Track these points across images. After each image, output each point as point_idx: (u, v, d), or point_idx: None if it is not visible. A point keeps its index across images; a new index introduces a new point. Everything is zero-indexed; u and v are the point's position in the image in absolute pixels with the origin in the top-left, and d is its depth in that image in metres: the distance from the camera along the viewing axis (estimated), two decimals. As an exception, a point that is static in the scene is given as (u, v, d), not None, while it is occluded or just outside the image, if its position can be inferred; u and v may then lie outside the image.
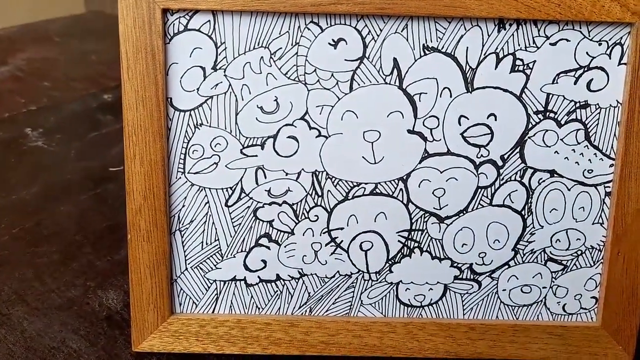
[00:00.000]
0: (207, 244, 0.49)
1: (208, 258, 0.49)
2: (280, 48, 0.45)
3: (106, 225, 0.67)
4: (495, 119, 0.46)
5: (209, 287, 0.50)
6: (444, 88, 0.46)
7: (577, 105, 0.46)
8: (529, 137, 0.47)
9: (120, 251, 0.62)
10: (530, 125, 0.46)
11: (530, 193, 0.48)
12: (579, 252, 0.49)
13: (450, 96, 0.46)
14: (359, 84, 0.46)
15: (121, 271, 0.59)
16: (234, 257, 0.49)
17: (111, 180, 0.75)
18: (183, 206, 0.48)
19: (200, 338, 0.50)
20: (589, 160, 0.47)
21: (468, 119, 0.46)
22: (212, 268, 0.49)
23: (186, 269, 0.49)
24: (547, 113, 0.46)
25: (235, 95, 0.46)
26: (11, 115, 0.92)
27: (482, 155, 0.47)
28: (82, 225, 0.67)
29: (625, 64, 0.45)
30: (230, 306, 0.50)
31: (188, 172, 0.47)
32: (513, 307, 0.50)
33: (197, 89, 0.46)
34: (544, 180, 0.48)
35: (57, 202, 0.71)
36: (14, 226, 0.66)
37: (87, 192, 0.73)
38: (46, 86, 1.04)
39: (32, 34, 1.30)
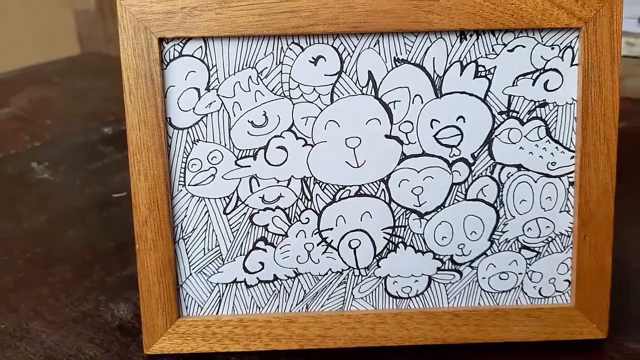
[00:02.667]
0: (208, 250, 0.51)
1: (210, 263, 0.51)
2: (266, 67, 0.48)
3: (114, 245, 0.70)
4: (464, 121, 0.49)
5: (212, 290, 0.52)
6: (416, 95, 0.48)
7: (537, 104, 0.49)
8: (495, 136, 0.49)
9: (128, 268, 0.65)
10: (495, 125, 0.49)
11: (501, 187, 0.50)
12: (550, 239, 0.51)
13: (422, 102, 0.48)
14: (338, 96, 0.48)
15: (130, 286, 0.62)
16: (234, 260, 0.51)
17: (115, 205, 0.79)
18: (185, 216, 0.50)
19: (206, 338, 0.52)
20: (552, 153, 0.50)
21: (439, 122, 0.49)
22: (214, 272, 0.52)
23: (190, 274, 0.51)
24: (510, 113, 0.49)
25: (228, 112, 0.49)
26: (17, 151, 0.96)
27: (454, 155, 0.49)
28: (91, 246, 0.70)
29: (576, 64, 0.48)
30: (233, 307, 0.52)
31: (188, 185, 0.50)
32: (493, 294, 0.52)
33: (193, 109, 0.49)
34: (512, 174, 0.50)
35: (66, 227, 0.74)
36: (26, 251, 0.70)
37: (93, 217, 0.76)
38: (48, 123, 1.08)
39: (32, 76, 1.34)
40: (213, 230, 0.51)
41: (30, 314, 0.59)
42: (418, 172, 0.50)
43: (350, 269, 0.52)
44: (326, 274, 0.52)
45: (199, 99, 0.48)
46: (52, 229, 0.74)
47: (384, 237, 0.51)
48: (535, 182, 0.50)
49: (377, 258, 0.51)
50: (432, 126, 0.49)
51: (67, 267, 0.67)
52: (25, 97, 1.21)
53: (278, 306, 0.52)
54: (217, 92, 0.48)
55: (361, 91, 0.48)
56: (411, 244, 0.51)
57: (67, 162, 0.92)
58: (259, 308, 0.52)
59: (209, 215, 0.50)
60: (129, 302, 0.60)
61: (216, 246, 0.51)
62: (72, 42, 1.81)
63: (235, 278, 0.52)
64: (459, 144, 0.49)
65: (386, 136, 0.49)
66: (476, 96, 0.48)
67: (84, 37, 1.85)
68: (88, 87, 1.24)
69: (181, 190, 0.50)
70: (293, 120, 0.49)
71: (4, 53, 1.67)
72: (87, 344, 0.55)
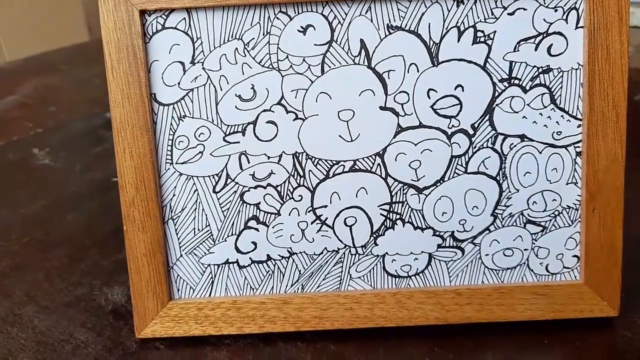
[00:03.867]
0: (199, 230, 0.50)
1: (201, 243, 0.50)
2: (253, 38, 0.47)
3: (111, 228, 0.69)
4: (463, 90, 0.47)
5: (204, 272, 0.51)
6: (411, 64, 0.47)
7: (540, 70, 0.47)
8: (496, 105, 0.48)
9: (124, 251, 0.63)
10: (496, 93, 0.47)
11: (503, 158, 0.48)
12: (556, 213, 0.50)
13: (418, 71, 0.47)
14: (329, 67, 0.47)
15: (125, 269, 0.59)
16: (226, 240, 0.50)
17: (114, 188, 0.77)
18: (174, 195, 0.49)
19: (199, 321, 0.51)
20: (557, 122, 0.48)
21: (436, 91, 0.47)
22: (205, 253, 0.51)
23: (181, 255, 0.50)
24: (512, 80, 0.47)
25: (214, 86, 0.47)
26: (20, 138, 0.96)
27: (453, 126, 0.48)
28: (89, 231, 0.69)
29: (582, 27, 0.46)
30: (226, 288, 0.51)
31: (176, 163, 0.49)
32: (497, 271, 0.51)
33: (178, 83, 0.47)
34: (515, 145, 0.48)
35: (65, 212, 0.73)
36: (24, 236, 0.69)
37: (92, 201, 0.76)
38: (52, 110, 1.07)
39: (39, 64, 1.34)
40: (203, 209, 0.49)
41: (24, 299, 0.58)
42: (415, 145, 0.48)
43: (347, 247, 0.50)
44: (321, 253, 0.50)
45: (184, 73, 0.47)
46: (51, 214, 0.74)
47: (381, 214, 0.50)
48: (540, 153, 0.48)
49: (375, 236, 0.50)
50: (429, 96, 0.47)
51: (63, 251, 0.66)
52: (30, 85, 1.21)
53: (272, 287, 0.51)
54: (202, 65, 0.47)
55: (353, 61, 0.47)
56: (410, 220, 0.50)
57: (68, 147, 0.91)
58: (253, 289, 0.51)
59: (198, 194, 0.49)
60: (123, 286, 0.59)
61: (206, 226, 0.50)
62: (80, 30, 1.81)
63: (228, 259, 0.51)
64: (458, 114, 0.48)
65: (381, 108, 0.47)
66: (475, 63, 0.47)
67: (92, 24, 1.84)
68: (93, 74, 1.23)
69: (169, 168, 0.49)
70: (282, 93, 0.47)
71: (12, 41, 1.67)
72: (79, 329, 0.54)
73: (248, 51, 0.47)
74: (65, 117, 1.03)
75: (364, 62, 0.47)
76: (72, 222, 0.72)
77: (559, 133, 0.48)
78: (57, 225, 0.71)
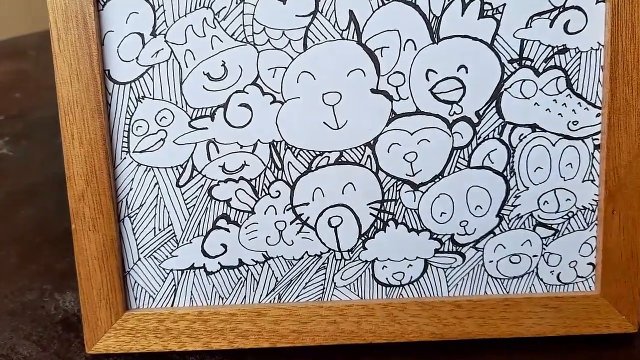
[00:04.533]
0: (159, 229, 0.45)
1: (162, 245, 0.46)
2: (224, 7, 0.42)
3: (69, 227, 0.62)
4: (467, 71, 0.43)
5: (165, 278, 0.46)
6: (407, 40, 0.43)
7: (555, 50, 0.43)
8: (504, 89, 0.44)
9: None
10: (505, 76, 0.44)
11: (512, 151, 0.45)
12: (570, 214, 0.46)
13: (415, 49, 0.43)
14: (313, 42, 0.43)
15: None
16: (191, 242, 0.46)
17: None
18: (130, 189, 0.45)
19: (159, 335, 0.46)
20: (573, 110, 0.44)
21: (436, 73, 0.43)
22: (167, 256, 0.46)
23: (139, 258, 0.46)
24: (523, 61, 0.43)
25: (179, 63, 0.43)
26: (-23, 126, 0.89)
27: (455, 113, 0.44)
28: (43, 228, 0.63)
29: (603, 1, 0.42)
30: (191, 297, 0.47)
31: (133, 151, 0.44)
32: (502, 280, 0.47)
33: (137, 58, 0.43)
34: (525, 136, 0.44)
35: (19, 207, 0.67)
36: (-30, 234, 0.62)
37: (50, 196, 0.69)
38: (17, 97, 1.01)
39: (8, 49, 1.28)
40: (164, 206, 0.45)
41: (-38, 307, 0.52)
42: (411, 134, 0.44)
43: (331, 251, 0.46)
44: (302, 257, 0.46)
45: (143, 47, 0.43)
46: (3, 208, 0.67)
47: (371, 214, 0.46)
48: (554, 145, 0.45)
49: (363, 238, 0.46)
50: (427, 78, 0.44)
51: (12, 251, 0.60)
52: (-3, 70, 1.14)
53: (245, 296, 0.47)
54: (165, 37, 0.43)
55: (341, 35, 0.43)
56: (403, 221, 0.46)
57: (30, 137, 0.84)
58: (222, 299, 0.47)
59: (159, 187, 0.45)
60: (77, 292, 0.52)
61: (169, 225, 0.45)
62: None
63: (193, 263, 0.46)
64: (460, 99, 0.44)
65: (372, 90, 0.44)
66: (481, 41, 0.43)
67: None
68: (64, 59, 1.16)
69: (125, 158, 0.44)
70: (258, 72, 0.43)
71: (-20, 26, 1.60)
72: (22, 342, 0.48)
73: (218, 22, 0.42)
74: (29, 105, 0.96)
75: (353, 37, 0.43)
76: (26, 217, 0.65)
77: (575, 123, 0.44)
78: (9, 220, 0.65)
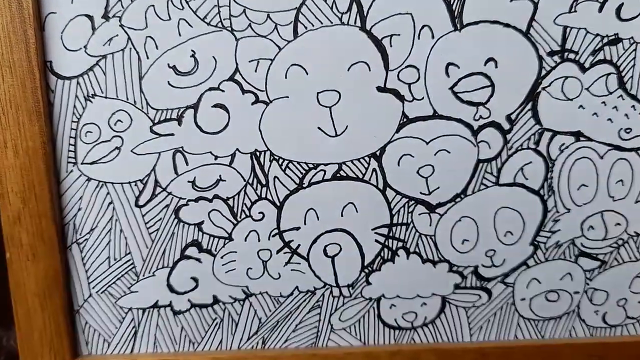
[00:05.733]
0: (115, 259, 0.42)
1: (118, 279, 0.42)
2: None
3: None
4: (496, 66, 0.39)
5: (123, 318, 0.42)
6: (423, 26, 0.39)
7: (605, 40, 0.39)
8: (542, 88, 0.40)
9: None
10: (543, 72, 0.40)
11: (550, 165, 0.41)
12: (620, 242, 0.43)
13: (432, 37, 0.39)
14: (305, 28, 0.38)
15: None
16: (154, 275, 0.42)
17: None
18: (79, 209, 0.40)
19: None
20: (626, 115, 0.41)
21: (458, 67, 0.39)
22: (125, 292, 0.42)
23: (90, 295, 0.42)
24: (565, 54, 0.39)
25: (137, 52, 0.38)
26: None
27: (481, 117, 0.40)
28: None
29: None
30: (155, 342, 0.43)
31: (82, 163, 0.40)
32: (536, 322, 0.44)
33: (85, 47, 0.38)
34: (567, 147, 0.41)
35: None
36: None
37: None
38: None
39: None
40: (121, 230, 0.41)
41: None
42: (427, 143, 0.41)
43: (327, 287, 0.43)
44: (291, 294, 0.43)
45: (93, 32, 0.38)
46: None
47: (377, 241, 0.42)
48: (602, 157, 0.41)
49: (366, 271, 0.43)
50: (448, 73, 0.39)
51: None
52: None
53: (221, 341, 0.43)
54: (120, 21, 0.38)
55: (340, 20, 0.38)
56: (416, 250, 0.42)
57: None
58: (193, 344, 0.43)
59: (114, 207, 0.41)
60: (24, 329, 0.46)
61: (126, 254, 0.42)
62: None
63: (157, 301, 0.42)
64: (488, 100, 0.40)
65: (379, 89, 0.40)
66: (514, 28, 0.39)
67: None
68: None
69: (71, 170, 0.40)
70: (237, 65, 0.39)
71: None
72: None
73: (187, 2, 0.38)
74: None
75: (355, 23, 0.38)
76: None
77: (628, 130, 0.41)
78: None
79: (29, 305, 0.40)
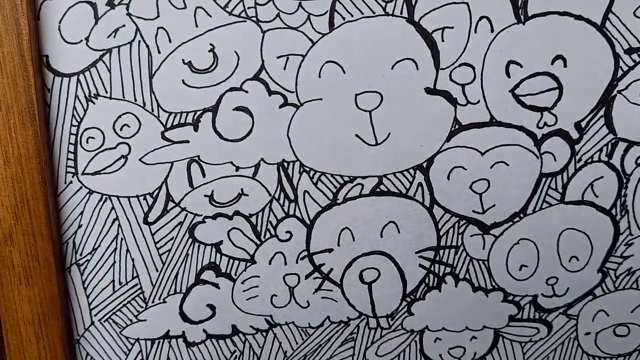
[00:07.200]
0: (120, 283, 0.39)
1: (124, 305, 0.39)
2: None
3: None
4: (564, 65, 0.36)
5: (129, 350, 0.39)
6: (481, 18, 0.36)
7: None
8: (618, 92, 0.37)
9: None
10: (619, 72, 0.37)
11: (625, 181, 0.39)
12: None
13: (492, 31, 0.36)
14: (343, 18, 0.35)
15: None
16: (165, 302, 0.39)
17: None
18: (79, 226, 0.38)
19: None
20: None
21: (521, 66, 0.37)
22: (131, 320, 0.39)
23: (92, 323, 0.39)
24: None
25: (147, 46, 0.35)
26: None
27: (545, 124, 0.38)
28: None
29: None
30: None
31: (83, 173, 0.37)
32: None
33: (87, 39, 0.35)
34: None
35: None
36: None
37: None
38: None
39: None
40: (127, 250, 0.38)
41: None
42: (482, 154, 0.38)
43: (363, 317, 0.40)
44: (321, 324, 0.40)
45: (96, 23, 0.35)
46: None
47: (421, 265, 0.40)
48: None
49: (408, 300, 0.40)
50: (508, 73, 0.37)
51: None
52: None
53: None
54: (127, 9, 0.35)
55: (384, 10, 0.35)
56: (466, 276, 0.40)
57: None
58: None
59: (119, 225, 0.38)
60: (20, 352, 0.42)
61: (133, 277, 0.39)
62: None
63: (168, 331, 0.40)
64: (554, 105, 0.37)
65: (427, 90, 0.37)
66: (587, 20, 0.36)
67: None
68: None
69: (71, 182, 0.37)
70: (263, 61, 0.36)
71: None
72: None
73: None
74: None
75: (401, 13, 0.36)
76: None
77: None
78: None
79: (22, 334, 0.37)
